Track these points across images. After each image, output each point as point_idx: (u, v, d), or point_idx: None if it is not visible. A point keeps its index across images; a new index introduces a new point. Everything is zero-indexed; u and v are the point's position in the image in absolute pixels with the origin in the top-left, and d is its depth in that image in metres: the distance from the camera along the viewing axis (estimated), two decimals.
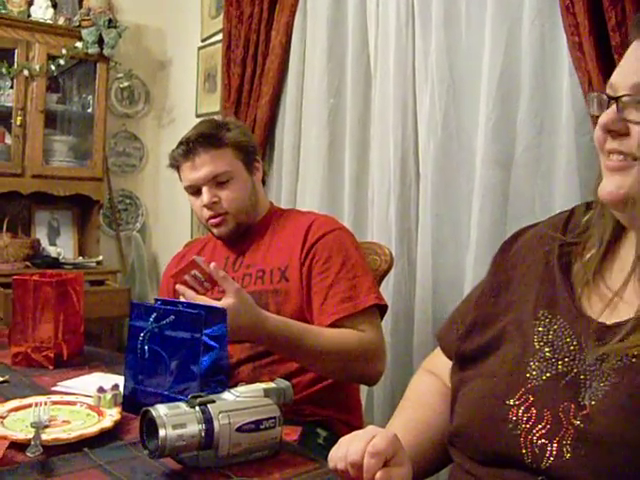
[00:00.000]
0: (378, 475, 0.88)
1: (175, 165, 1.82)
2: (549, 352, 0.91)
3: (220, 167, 1.76)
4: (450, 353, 1.10)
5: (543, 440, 0.84)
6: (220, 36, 3.53)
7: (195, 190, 1.80)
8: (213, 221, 1.79)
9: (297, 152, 2.99)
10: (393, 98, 2.45)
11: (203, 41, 3.95)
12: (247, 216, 1.81)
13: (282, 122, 3.10)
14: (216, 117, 2.39)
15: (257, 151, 1.89)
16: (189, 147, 1.76)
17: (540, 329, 0.94)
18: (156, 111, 4.41)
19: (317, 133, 2.83)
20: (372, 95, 2.61)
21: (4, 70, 3.65)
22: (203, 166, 1.76)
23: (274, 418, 1.07)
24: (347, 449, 0.92)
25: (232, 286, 1.45)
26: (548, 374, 0.90)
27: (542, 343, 0.92)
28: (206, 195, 1.76)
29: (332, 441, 1.58)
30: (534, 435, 0.86)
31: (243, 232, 1.82)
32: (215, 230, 1.82)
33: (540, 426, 0.86)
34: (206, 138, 1.76)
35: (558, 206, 1.87)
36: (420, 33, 2.35)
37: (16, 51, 3.67)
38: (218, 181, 1.77)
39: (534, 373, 0.91)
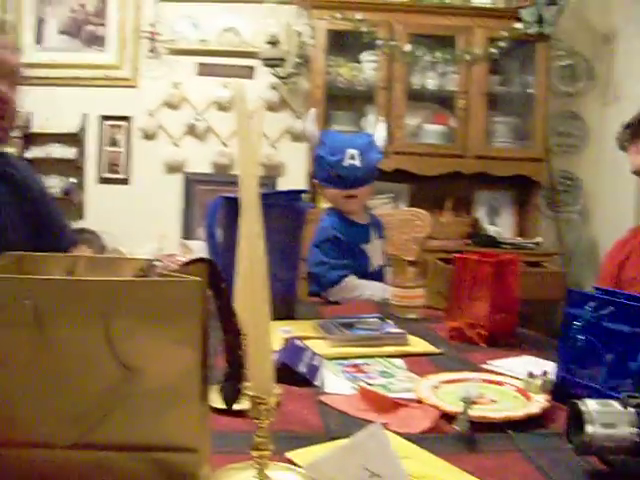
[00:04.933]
0: None
1: (621, 147, 1.69)
2: None
3: None
4: None
5: None
6: None
7: None
8: None
9: None
10: None
11: None
12: None
13: None
14: None
15: None
16: (635, 130, 1.63)
17: None
18: (600, 88, 4.24)
19: None
20: None
21: (448, 56, 3.85)
22: None
23: None
24: None
25: None
26: None
27: None
28: None
29: None
30: None
31: None
32: None
33: None
34: None
35: None
36: None
37: (458, 37, 3.86)
38: None
39: None
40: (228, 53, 4.16)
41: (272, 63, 3.96)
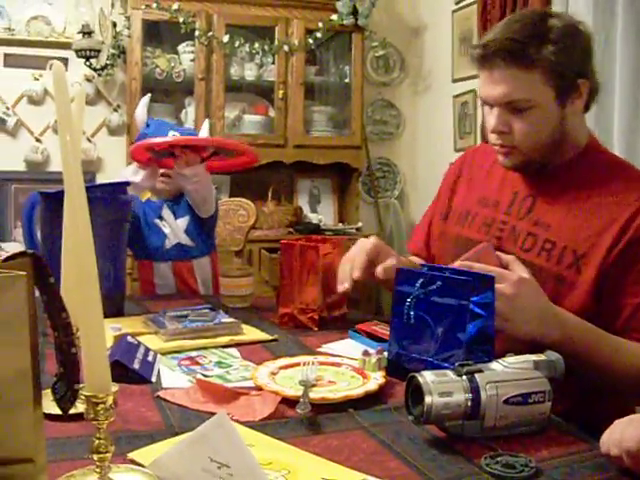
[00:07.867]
0: None
1: (474, 64, 1.46)
2: None
3: (519, 92, 1.37)
4: None
5: None
6: None
7: (489, 104, 1.44)
8: (498, 149, 1.46)
9: None
10: None
11: (457, 4, 3.89)
12: (542, 155, 1.43)
13: None
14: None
15: (583, 72, 1.39)
16: (487, 55, 1.39)
17: None
18: (412, 78, 4.43)
19: None
20: None
21: (266, 47, 3.87)
22: (500, 84, 1.38)
23: (543, 392, 1.02)
24: (621, 434, 0.84)
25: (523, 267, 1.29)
26: None
27: None
28: (494, 120, 1.42)
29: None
30: None
31: (540, 168, 1.47)
32: (500, 158, 1.48)
33: None
34: (511, 53, 1.35)
35: None
36: None
37: (276, 28, 3.90)
38: (514, 107, 1.39)
39: None
40: (38, 43, 3.90)
41: (86, 54, 3.78)
